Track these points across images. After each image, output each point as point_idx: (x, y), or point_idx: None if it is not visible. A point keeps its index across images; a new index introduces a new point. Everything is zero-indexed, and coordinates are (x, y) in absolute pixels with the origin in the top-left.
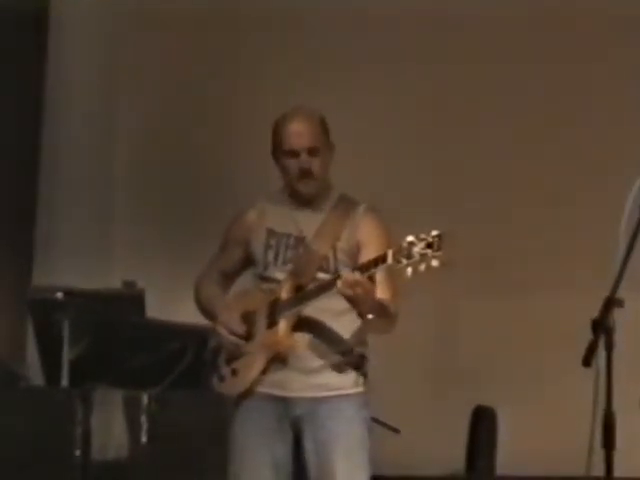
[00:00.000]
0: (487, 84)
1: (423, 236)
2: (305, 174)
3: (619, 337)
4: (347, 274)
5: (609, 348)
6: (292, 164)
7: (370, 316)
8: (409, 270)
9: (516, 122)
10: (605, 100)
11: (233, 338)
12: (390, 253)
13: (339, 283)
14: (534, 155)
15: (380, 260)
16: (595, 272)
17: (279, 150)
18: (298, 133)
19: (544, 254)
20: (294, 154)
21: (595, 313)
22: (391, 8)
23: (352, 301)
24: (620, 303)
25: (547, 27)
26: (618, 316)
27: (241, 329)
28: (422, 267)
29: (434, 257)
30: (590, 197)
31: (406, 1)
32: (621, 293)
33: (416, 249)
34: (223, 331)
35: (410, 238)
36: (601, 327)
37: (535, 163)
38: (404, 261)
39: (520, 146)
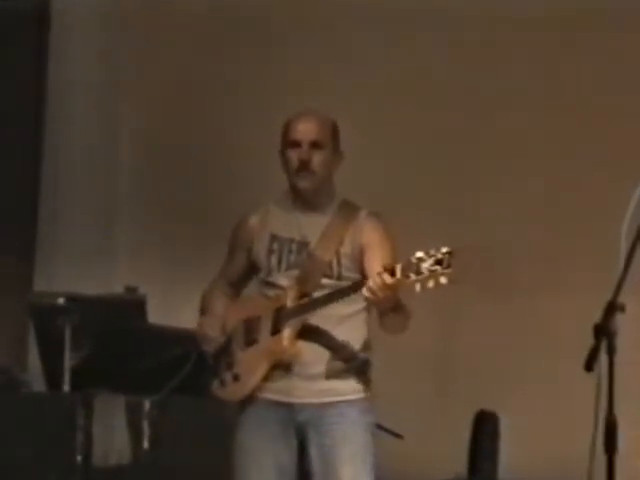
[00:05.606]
0: (487, 85)
1: (432, 252)
2: (303, 165)
3: (621, 342)
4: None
5: (611, 353)
6: (293, 155)
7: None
8: (417, 286)
9: (516, 122)
10: (607, 100)
11: (211, 342)
12: (399, 268)
13: (369, 282)
14: (535, 156)
15: (388, 273)
16: (597, 276)
17: (284, 143)
18: (304, 126)
19: (546, 258)
20: (296, 144)
21: (597, 318)
22: (392, 7)
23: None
24: (622, 308)
25: (546, 28)
26: (620, 321)
27: (215, 331)
28: (431, 284)
29: (443, 274)
30: (592, 200)
31: (408, 1)
32: (623, 298)
33: (425, 265)
34: (201, 333)
35: (419, 254)
36: (603, 332)
37: (536, 164)
38: (413, 276)
39: (520, 146)
